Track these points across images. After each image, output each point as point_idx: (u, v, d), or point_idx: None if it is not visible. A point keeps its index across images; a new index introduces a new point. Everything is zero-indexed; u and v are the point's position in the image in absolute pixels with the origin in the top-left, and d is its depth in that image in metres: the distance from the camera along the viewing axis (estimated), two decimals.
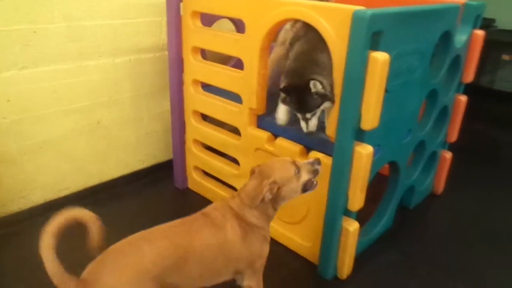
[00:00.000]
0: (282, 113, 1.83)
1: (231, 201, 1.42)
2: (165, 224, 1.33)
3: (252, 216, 1.38)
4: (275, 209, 1.43)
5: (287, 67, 1.74)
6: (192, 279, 1.29)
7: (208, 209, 1.42)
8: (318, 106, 1.62)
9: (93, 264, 1.16)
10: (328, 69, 1.62)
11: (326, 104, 1.63)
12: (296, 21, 1.88)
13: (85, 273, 1.14)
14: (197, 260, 1.27)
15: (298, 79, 1.63)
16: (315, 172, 1.45)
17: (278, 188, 1.36)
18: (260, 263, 1.45)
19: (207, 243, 1.30)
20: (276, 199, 1.39)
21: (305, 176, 1.42)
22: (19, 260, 1.84)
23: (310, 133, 1.67)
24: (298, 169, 1.41)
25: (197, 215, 1.39)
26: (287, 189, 1.39)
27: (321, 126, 1.72)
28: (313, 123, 1.66)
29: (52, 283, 1.64)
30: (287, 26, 1.91)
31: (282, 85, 1.69)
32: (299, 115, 1.67)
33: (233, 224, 1.36)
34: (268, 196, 1.34)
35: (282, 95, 1.71)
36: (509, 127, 3.85)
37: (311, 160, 1.47)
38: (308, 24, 1.61)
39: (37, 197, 2.14)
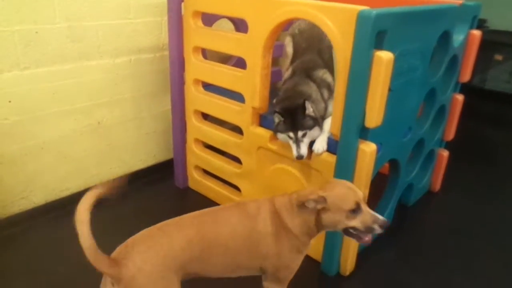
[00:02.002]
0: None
1: (277, 197, 1.37)
2: (195, 212, 1.33)
3: (291, 221, 1.31)
4: (317, 227, 1.31)
5: (281, 92, 1.87)
6: (216, 269, 1.29)
7: (244, 201, 1.40)
8: (310, 128, 1.70)
9: (123, 245, 1.17)
10: (318, 99, 1.79)
11: (316, 131, 1.72)
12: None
13: (115, 253, 1.16)
14: (222, 251, 1.27)
15: (292, 101, 1.74)
16: (369, 230, 1.28)
17: (323, 208, 1.27)
18: (285, 275, 1.38)
19: (233, 233, 1.28)
20: (318, 219, 1.29)
21: (356, 223, 1.28)
22: (20, 261, 1.84)
23: (300, 157, 1.70)
24: (357, 210, 1.27)
25: (230, 204, 1.40)
26: (330, 216, 1.28)
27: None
28: (305, 147, 1.70)
29: (52, 283, 1.64)
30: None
31: (277, 108, 1.76)
32: (291, 136, 1.71)
33: (266, 218, 1.31)
34: (311, 204, 1.26)
35: (276, 120, 1.76)
36: (500, 126, 3.92)
37: (380, 217, 1.29)
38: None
39: (38, 198, 2.13)
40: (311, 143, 1.74)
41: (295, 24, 2.16)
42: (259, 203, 1.36)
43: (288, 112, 1.71)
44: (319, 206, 1.27)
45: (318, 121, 1.73)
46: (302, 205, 1.29)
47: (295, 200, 1.31)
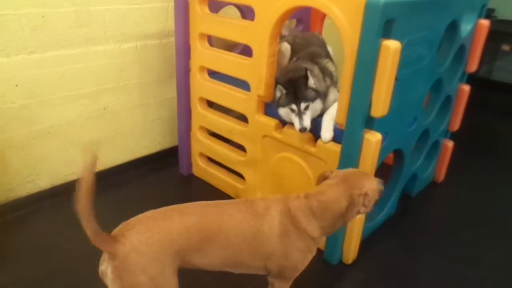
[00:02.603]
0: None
1: (292, 199, 1.32)
2: (202, 201, 1.32)
3: (309, 224, 1.29)
4: (344, 222, 1.31)
5: (284, 69, 1.89)
6: (215, 262, 1.27)
7: (254, 198, 1.37)
8: (312, 100, 1.70)
9: (125, 223, 1.19)
10: (320, 78, 1.80)
11: (318, 104, 1.72)
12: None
13: (116, 230, 1.17)
14: (222, 244, 1.24)
15: (294, 73, 1.75)
16: (381, 192, 1.36)
17: (369, 202, 1.28)
18: (291, 274, 1.36)
19: (236, 229, 1.26)
20: (349, 215, 1.28)
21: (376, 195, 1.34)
22: (27, 244, 1.87)
23: (304, 130, 1.70)
24: (378, 184, 1.34)
25: (238, 200, 1.37)
26: (371, 203, 1.31)
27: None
28: (307, 119, 1.70)
29: (58, 265, 1.67)
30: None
31: (279, 81, 1.76)
32: (294, 108, 1.71)
33: (274, 220, 1.28)
34: (363, 209, 1.27)
35: (277, 95, 1.77)
36: (506, 117, 3.90)
37: (377, 179, 1.37)
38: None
39: (44, 182, 2.16)
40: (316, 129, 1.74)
41: (288, 37, 2.18)
42: (268, 203, 1.32)
43: (290, 83, 1.71)
44: (366, 203, 1.28)
45: (320, 94, 1.72)
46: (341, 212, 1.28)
47: (333, 208, 1.27)
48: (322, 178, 1.38)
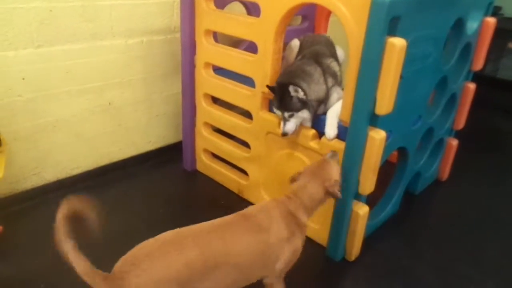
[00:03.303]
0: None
1: (288, 201, 1.40)
2: (199, 225, 1.28)
3: (305, 217, 1.42)
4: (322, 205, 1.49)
5: (286, 68, 1.91)
6: (222, 285, 1.25)
7: (250, 210, 1.38)
8: (297, 110, 1.73)
9: (122, 261, 1.16)
10: (319, 82, 1.81)
11: (305, 114, 1.75)
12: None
13: (114, 269, 1.15)
14: (230, 269, 1.24)
15: (285, 79, 1.77)
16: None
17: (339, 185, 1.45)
18: (295, 260, 1.43)
19: (246, 251, 1.27)
20: (326, 198, 1.47)
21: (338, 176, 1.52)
22: (32, 235, 1.89)
23: (284, 134, 1.76)
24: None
25: (236, 216, 1.34)
26: (337, 187, 1.46)
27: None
28: (290, 125, 1.76)
29: (62, 258, 1.69)
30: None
31: (267, 86, 1.81)
32: (279, 114, 1.78)
33: (280, 225, 1.33)
34: (340, 195, 1.43)
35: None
36: (511, 115, 3.87)
37: (330, 153, 1.57)
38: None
39: (50, 175, 2.17)
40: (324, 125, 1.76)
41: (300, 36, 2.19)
42: (267, 212, 1.36)
43: (278, 90, 1.75)
44: (338, 187, 1.44)
45: (308, 104, 1.74)
46: (324, 200, 1.46)
47: (317, 198, 1.44)
48: (293, 180, 1.50)
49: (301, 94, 1.71)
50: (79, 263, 1.08)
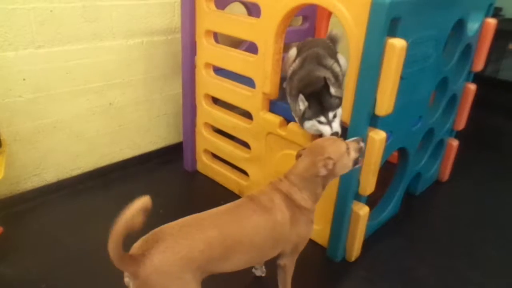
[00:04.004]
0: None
1: (279, 183, 1.42)
2: (215, 209, 1.34)
3: (301, 198, 1.40)
4: (323, 187, 1.44)
5: (296, 81, 1.79)
6: (240, 264, 1.32)
7: (255, 193, 1.42)
8: (338, 106, 1.64)
9: (143, 240, 1.17)
10: (333, 82, 1.76)
11: (340, 109, 1.65)
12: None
13: (135, 248, 1.16)
14: (247, 247, 1.30)
15: (314, 86, 1.68)
16: (361, 150, 1.48)
17: (333, 164, 1.38)
18: (302, 248, 1.48)
19: (257, 229, 1.32)
20: (328, 176, 1.40)
21: (353, 154, 1.45)
22: (32, 237, 1.89)
23: (336, 134, 1.63)
24: (347, 146, 1.43)
25: (244, 200, 1.40)
26: (340, 165, 1.41)
27: None
28: (337, 124, 1.64)
29: (62, 258, 1.68)
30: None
31: (301, 94, 1.67)
32: (323, 120, 1.64)
33: (281, 207, 1.37)
34: (323, 171, 1.36)
35: (301, 109, 1.68)
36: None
37: (355, 138, 1.49)
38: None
39: (50, 176, 2.17)
40: None
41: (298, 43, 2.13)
42: (268, 194, 1.40)
43: (314, 96, 1.64)
44: (330, 167, 1.37)
45: (341, 99, 1.67)
46: (315, 177, 1.39)
47: (303, 181, 1.40)
48: (298, 156, 1.48)
49: (333, 90, 1.65)
50: (116, 250, 1.06)
